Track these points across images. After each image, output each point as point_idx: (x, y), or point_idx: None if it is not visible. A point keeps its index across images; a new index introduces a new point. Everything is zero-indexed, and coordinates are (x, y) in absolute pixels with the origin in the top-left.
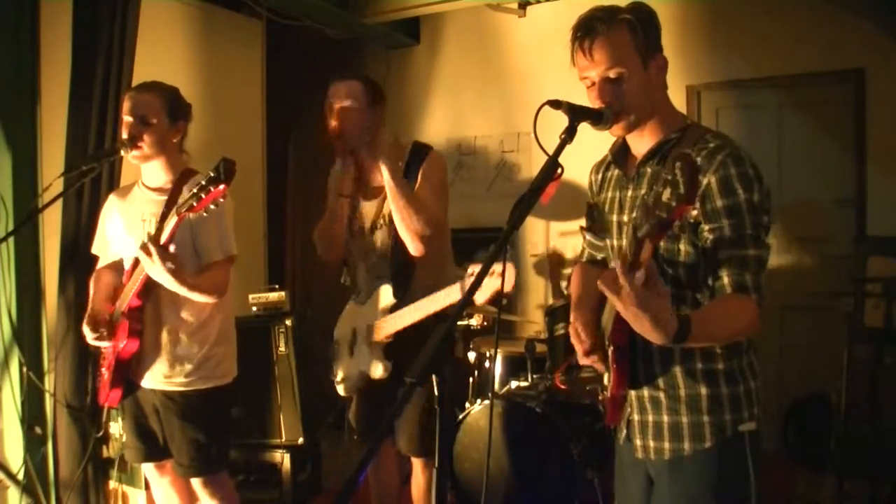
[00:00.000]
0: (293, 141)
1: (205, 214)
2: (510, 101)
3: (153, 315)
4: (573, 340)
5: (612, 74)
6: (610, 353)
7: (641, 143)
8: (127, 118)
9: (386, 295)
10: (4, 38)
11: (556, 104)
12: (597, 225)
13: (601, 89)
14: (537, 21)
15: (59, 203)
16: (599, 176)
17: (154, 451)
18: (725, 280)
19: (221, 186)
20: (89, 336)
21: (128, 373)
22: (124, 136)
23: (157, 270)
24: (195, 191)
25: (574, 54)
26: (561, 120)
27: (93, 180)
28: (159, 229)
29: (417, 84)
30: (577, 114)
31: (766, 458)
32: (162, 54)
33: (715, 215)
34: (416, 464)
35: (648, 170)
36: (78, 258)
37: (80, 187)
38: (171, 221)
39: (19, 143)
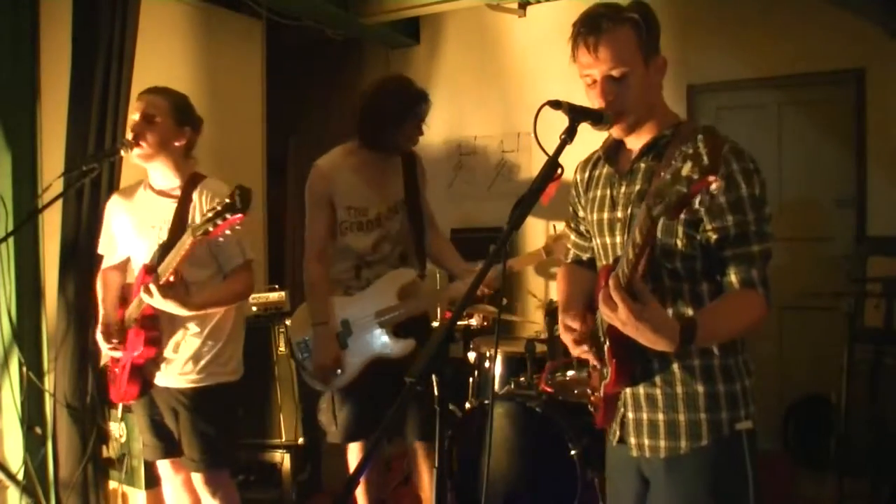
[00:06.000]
0: (293, 141)
1: (220, 240)
2: (510, 101)
3: (168, 316)
4: (562, 334)
5: (615, 73)
6: (606, 348)
7: (638, 140)
8: (133, 116)
9: (408, 273)
10: (4, 38)
11: (556, 104)
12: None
13: (604, 88)
14: (537, 21)
15: (59, 203)
16: (586, 175)
17: (171, 447)
18: (732, 277)
19: (238, 216)
20: (104, 347)
21: (144, 373)
22: (128, 134)
23: (160, 305)
24: (210, 216)
25: (576, 51)
26: (561, 120)
27: (93, 180)
28: (163, 259)
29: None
30: (577, 114)
31: (766, 458)
32: (162, 54)
33: (719, 212)
34: (421, 448)
35: (643, 165)
36: (78, 258)
37: (80, 187)
38: (186, 243)
39: (19, 143)
